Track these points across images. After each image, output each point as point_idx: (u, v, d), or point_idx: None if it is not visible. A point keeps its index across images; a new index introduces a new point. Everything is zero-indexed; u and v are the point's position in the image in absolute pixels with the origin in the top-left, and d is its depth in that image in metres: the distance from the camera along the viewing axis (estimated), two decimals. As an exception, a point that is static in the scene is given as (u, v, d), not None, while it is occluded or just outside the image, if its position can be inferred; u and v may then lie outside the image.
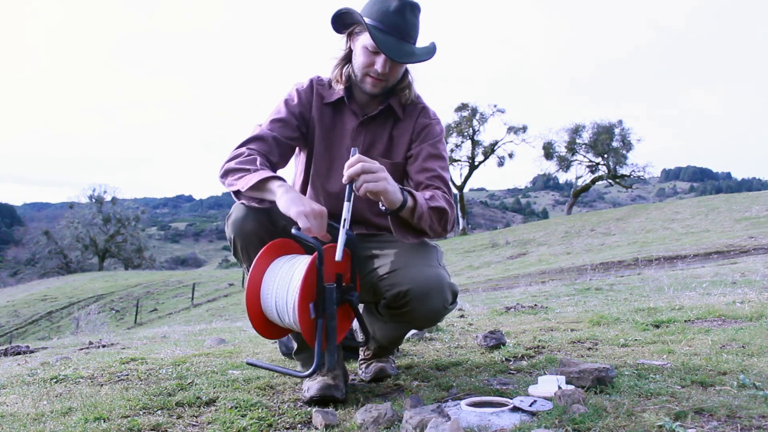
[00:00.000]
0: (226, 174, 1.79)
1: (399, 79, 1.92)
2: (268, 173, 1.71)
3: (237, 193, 1.76)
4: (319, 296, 1.57)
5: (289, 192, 1.65)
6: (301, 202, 1.60)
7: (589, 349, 2.38)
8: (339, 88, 1.95)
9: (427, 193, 1.81)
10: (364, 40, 1.82)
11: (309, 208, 1.58)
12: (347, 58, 1.92)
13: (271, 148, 1.87)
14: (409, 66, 1.93)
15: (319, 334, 1.57)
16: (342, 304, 1.66)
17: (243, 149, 1.83)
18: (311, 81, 2.00)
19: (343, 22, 1.87)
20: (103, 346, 3.67)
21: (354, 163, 1.60)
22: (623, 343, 2.42)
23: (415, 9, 1.81)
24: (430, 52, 1.86)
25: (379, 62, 1.81)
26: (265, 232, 1.78)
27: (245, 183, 1.71)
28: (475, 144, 41.80)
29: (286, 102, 1.97)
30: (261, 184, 1.69)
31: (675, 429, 1.35)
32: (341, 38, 1.92)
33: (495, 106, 41.77)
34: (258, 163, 1.76)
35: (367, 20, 1.78)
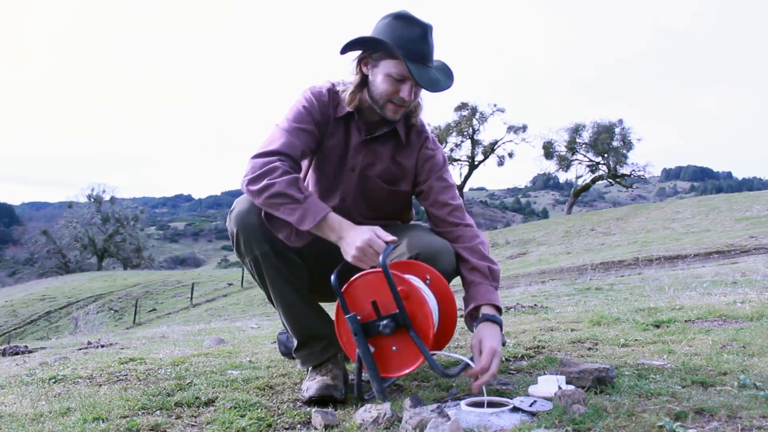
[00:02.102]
0: (264, 191, 1.71)
1: None
2: (321, 211, 1.69)
3: (277, 220, 1.73)
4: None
5: (343, 236, 1.68)
6: (352, 247, 1.64)
7: (590, 349, 2.38)
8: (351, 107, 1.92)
9: (470, 241, 1.92)
10: (387, 68, 1.80)
11: (359, 252, 1.63)
12: (362, 85, 1.88)
13: (298, 163, 1.83)
14: None
15: (357, 363, 1.69)
16: (374, 335, 1.65)
17: (276, 162, 1.75)
18: (329, 91, 1.95)
19: (358, 47, 1.84)
20: (102, 346, 3.66)
21: (487, 374, 1.65)
22: (623, 343, 2.42)
23: (433, 30, 1.82)
24: (449, 75, 1.86)
25: (405, 90, 1.80)
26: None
27: (301, 219, 1.68)
28: (474, 143, 41.83)
29: (309, 110, 1.90)
30: (320, 224, 1.69)
31: (675, 429, 1.34)
32: (349, 62, 1.88)
33: (495, 105, 42.00)
34: (300, 188, 1.72)
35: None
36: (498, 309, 1.84)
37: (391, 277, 1.59)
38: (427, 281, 1.74)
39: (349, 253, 1.65)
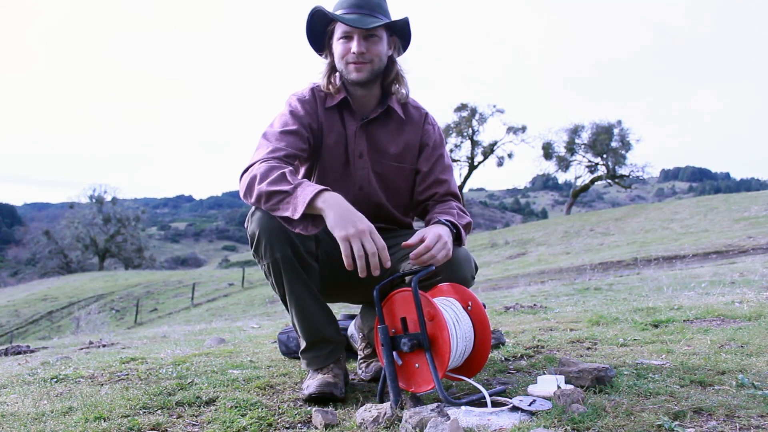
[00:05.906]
0: (260, 199, 1.71)
1: (384, 64, 1.92)
2: (309, 192, 1.64)
3: (287, 219, 1.69)
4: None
5: (334, 208, 1.61)
6: (343, 223, 1.59)
7: (588, 348, 2.39)
8: (338, 95, 1.95)
9: (453, 210, 1.93)
10: (336, 34, 1.88)
11: (352, 231, 1.59)
12: (333, 66, 1.95)
13: (284, 162, 1.81)
14: (399, 59, 1.97)
15: (382, 372, 1.70)
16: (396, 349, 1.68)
17: (256, 170, 1.74)
18: (311, 89, 1.98)
19: (317, 33, 1.91)
20: (104, 346, 3.68)
21: (424, 252, 1.68)
22: (622, 342, 2.43)
23: None
24: (398, 18, 1.89)
25: (354, 44, 1.84)
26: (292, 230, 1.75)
27: (293, 209, 1.64)
28: (474, 144, 41.82)
29: (293, 113, 1.91)
30: (310, 205, 1.63)
31: (674, 428, 1.35)
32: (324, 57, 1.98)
33: (494, 106, 41.90)
34: (288, 176, 1.69)
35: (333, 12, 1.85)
36: (453, 223, 1.84)
37: (419, 298, 1.64)
38: (469, 307, 1.78)
39: (341, 233, 1.59)
